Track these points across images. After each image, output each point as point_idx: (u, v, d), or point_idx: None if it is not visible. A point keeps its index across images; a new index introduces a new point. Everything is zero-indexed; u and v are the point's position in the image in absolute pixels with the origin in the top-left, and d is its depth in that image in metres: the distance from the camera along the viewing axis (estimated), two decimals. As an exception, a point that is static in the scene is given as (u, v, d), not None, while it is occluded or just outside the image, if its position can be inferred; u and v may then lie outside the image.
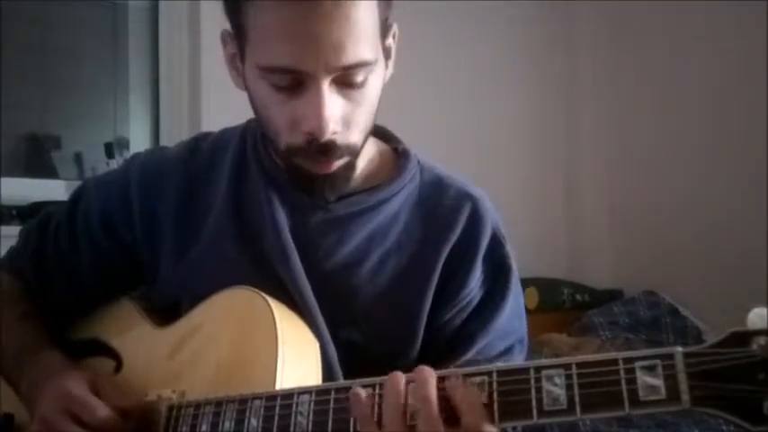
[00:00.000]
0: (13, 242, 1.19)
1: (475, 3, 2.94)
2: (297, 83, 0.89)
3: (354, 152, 0.96)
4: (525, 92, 3.23)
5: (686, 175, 3.03)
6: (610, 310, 2.94)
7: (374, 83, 0.94)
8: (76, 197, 1.14)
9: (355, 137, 0.95)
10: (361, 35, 0.88)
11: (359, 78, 0.91)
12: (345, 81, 0.90)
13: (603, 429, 2.06)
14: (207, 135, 1.13)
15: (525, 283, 2.88)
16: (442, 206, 1.04)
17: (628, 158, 3.27)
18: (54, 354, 1.04)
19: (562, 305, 3.08)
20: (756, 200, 2.64)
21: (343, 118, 0.92)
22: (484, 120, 3.05)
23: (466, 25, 2.97)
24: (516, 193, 3.00)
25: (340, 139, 0.92)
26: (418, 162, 1.09)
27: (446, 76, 2.93)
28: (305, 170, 0.95)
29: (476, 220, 1.03)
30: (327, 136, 0.90)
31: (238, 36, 0.94)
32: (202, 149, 1.10)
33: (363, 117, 0.94)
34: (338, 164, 0.95)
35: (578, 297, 3.13)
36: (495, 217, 1.06)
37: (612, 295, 3.14)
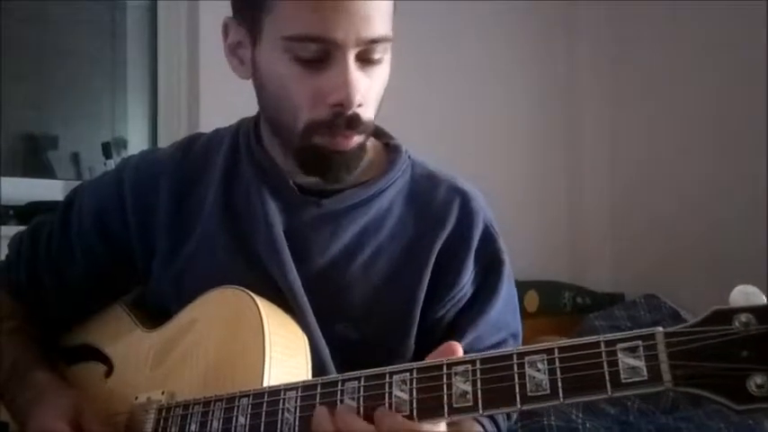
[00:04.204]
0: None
1: (475, 2, 2.93)
2: (323, 55, 0.91)
3: (368, 131, 0.99)
4: (526, 93, 3.22)
5: (687, 178, 3.03)
6: (611, 314, 2.93)
7: (387, 62, 0.97)
8: (69, 202, 1.14)
9: (369, 114, 0.97)
10: (384, 11, 0.93)
11: (377, 55, 0.94)
12: (366, 57, 0.93)
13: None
14: (200, 135, 1.13)
15: (526, 286, 2.91)
16: (433, 201, 1.04)
17: (629, 161, 3.27)
18: (41, 374, 1.04)
19: (563, 308, 3.09)
20: (757, 203, 2.64)
21: (362, 93, 0.94)
22: (484, 123, 3.03)
23: (466, 24, 2.96)
24: (517, 196, 2.99)
25: (362, 112, 0.94)
26: (409, 157, 1.09)
27: (446, 76, 2.92)
28: (322, 149, 0.96)
29: (468, 214, 1.03)
30: (354, 107, 0.92)
31: (253, 15, 0.94)
32: (195, 150, 1.10)
33: (375, 97, 0.97)
34: (356, 140, 0.96)
35: (579, 300, 3.13)
36: (486, 212, 1.06)
37: (613, 299, 3.14)
